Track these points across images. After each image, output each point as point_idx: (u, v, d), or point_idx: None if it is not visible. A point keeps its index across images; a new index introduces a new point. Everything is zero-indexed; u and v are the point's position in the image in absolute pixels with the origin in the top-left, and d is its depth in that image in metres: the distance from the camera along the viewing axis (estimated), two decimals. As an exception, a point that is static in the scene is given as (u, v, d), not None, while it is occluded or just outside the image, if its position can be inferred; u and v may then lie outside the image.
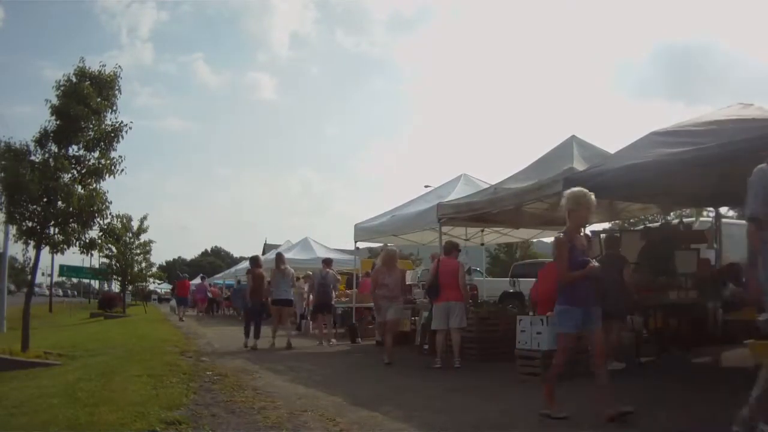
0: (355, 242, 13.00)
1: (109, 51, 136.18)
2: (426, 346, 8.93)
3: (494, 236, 13.08)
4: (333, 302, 12.25)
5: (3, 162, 9.43)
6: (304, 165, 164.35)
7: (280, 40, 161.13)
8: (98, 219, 9.96)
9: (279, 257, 11.83)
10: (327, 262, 12.82)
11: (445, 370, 7.45)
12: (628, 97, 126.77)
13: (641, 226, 14.59)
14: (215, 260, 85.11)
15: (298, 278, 14.20)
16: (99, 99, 9.70)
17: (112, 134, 9.85)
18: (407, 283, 13.47)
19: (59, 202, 9.55)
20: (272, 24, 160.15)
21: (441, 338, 7.88)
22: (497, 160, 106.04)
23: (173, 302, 26.54)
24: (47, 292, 44.93)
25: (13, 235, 10.15)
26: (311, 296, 12.59)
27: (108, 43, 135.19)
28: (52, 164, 9.53)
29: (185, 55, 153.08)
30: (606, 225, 12.11)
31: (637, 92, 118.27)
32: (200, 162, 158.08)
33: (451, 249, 8.39)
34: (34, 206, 9.48)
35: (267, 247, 43.68)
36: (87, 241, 10.20)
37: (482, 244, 13.60)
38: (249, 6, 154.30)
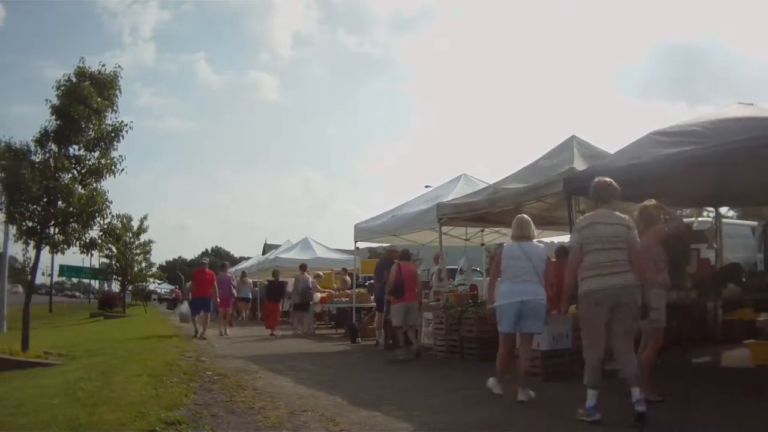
0: (355, 242, 12.99)
1: (110, 51, 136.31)
2: (390, 341, 9.91)
3: (494, 236, 13.07)
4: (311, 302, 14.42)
5: (3, 162, 9.43)
6: (304, 165, 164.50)
7: (282, 39, 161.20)
8: (98, 219, 9.96)
9: (243, 273, 19.86)
10: (303, 267, 15.05)
11: (436, 368, 7.48)
12: (629, 97, 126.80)
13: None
14: (215, 260, 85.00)
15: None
16: (99, 99, 9.70)
17: (113, 134, 9.85)
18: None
19: (59, 202, 9.55)
20: (274, 23, 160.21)
21: (401, 333, 8.92)
22: (497, 160, 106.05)
23: (184, 307, 16.53)
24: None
25: (13, 235, 10.16)
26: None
27: (110, 43, 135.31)
28: (52, 164, 9.53)
29: (187, 55, 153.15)
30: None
31: (639, 92, 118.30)
32: (201, 162, 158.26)
33: (409, 255, 9.92)
34: (34, 206, 9.48)
35: (267, 247, 43.73)
36: (87, 241, 10.20)
37: (482, 244, 13.60)
38: (251, 5, 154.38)
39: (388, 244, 13.24)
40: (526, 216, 5.71)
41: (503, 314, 5.34)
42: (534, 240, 5.77)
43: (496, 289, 5.48)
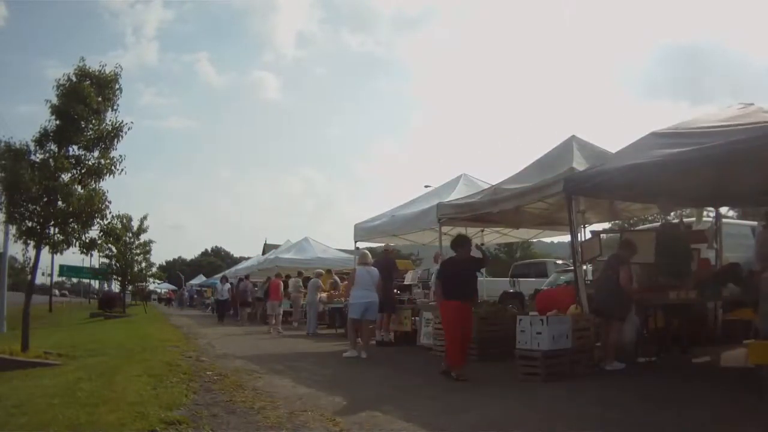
0: (355, 242, 12.99)
1: (113, 51, 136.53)
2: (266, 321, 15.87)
3: (494, 236, 13.08)
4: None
5: (3, 162, 9.42)
6: (306, 165, 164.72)
7: (286, 39, 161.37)
8: (98, 219, 9.95)
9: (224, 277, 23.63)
10: (246, 276, 20.54)
11: (436, 368, 7.48)
12: (631, 97, 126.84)
13: (645, 225, 14.58)
14: (215, 260, 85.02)
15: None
16: (99, 98, 9.69)
17: (112, 134, 9.83)
18: (407, 282, 13.53)
19: (59, 202, 9.53)
20: (278, 23, 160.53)
21: (273, 318, 14.80)
22: (497, 160, 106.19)
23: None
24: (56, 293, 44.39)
25: (13, 235, 10.14)
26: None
27: (113, 43, 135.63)
28: (52, 164, 9.52)
29: (189, 55, 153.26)
30: (606, 225, 12.11)
31: (641, 92, 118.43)
32: (203, 161, 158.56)
33: (278, 275, 16.13)
34: (34, 206, 9.47)
35: (267, 247, 43.63)
36: (87, 241, 10.19)
37: (482, 244, 13.58)
38: (254, 5, 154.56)
39: (385, 244, 13.22)
40: (366, 251, 10.16)
41: (355, 307, 9.11)
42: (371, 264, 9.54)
43: (351, 293, 9.29)
